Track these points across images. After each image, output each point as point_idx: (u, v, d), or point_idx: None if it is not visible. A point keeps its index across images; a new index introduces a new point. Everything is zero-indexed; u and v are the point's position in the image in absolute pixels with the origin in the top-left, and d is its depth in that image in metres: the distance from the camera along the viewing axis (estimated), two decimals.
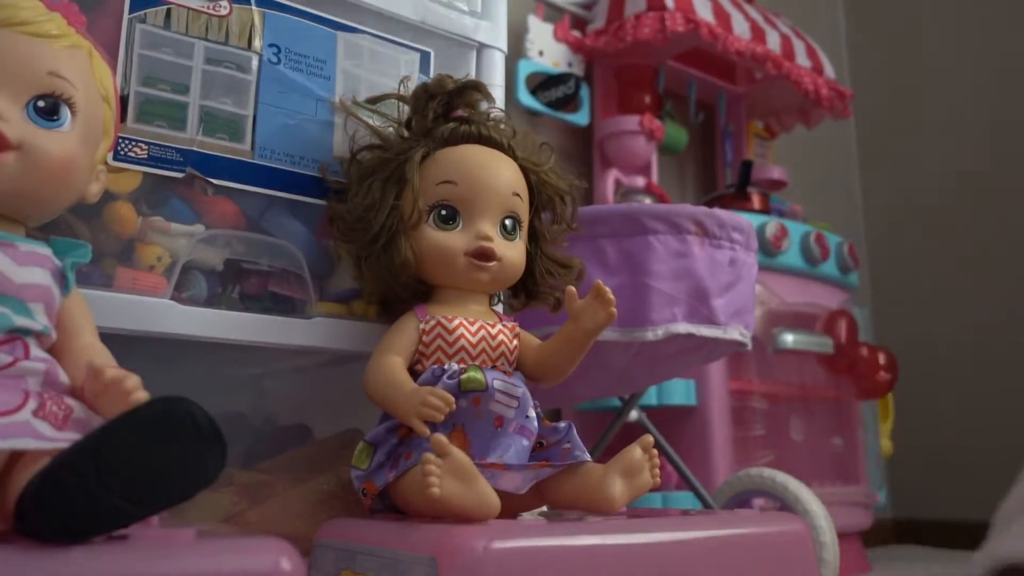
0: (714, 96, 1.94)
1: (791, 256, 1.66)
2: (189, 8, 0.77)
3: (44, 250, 0.58)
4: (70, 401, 0.54)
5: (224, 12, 0.79)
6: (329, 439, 0.94)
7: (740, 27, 1.70)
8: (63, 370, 0.55)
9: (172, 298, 0.74)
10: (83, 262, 0.60)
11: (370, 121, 0.84)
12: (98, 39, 0.64)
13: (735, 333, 0.99)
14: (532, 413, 0.73)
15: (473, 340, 0.75)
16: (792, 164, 2.02)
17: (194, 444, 0.50)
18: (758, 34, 1.73)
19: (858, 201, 2.47)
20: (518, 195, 0.78)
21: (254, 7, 0.81)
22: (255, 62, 0.80)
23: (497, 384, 0.72)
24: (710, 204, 1.73)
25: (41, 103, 0.57)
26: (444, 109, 0.81)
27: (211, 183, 0.77)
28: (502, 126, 0.81)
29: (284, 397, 1.00)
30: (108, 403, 0.52)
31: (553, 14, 1.73)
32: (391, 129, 0.83)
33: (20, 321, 0.53)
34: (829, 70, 1.89)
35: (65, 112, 0.58)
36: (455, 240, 0.76)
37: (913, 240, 2.34)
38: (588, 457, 0.72)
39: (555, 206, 0.83)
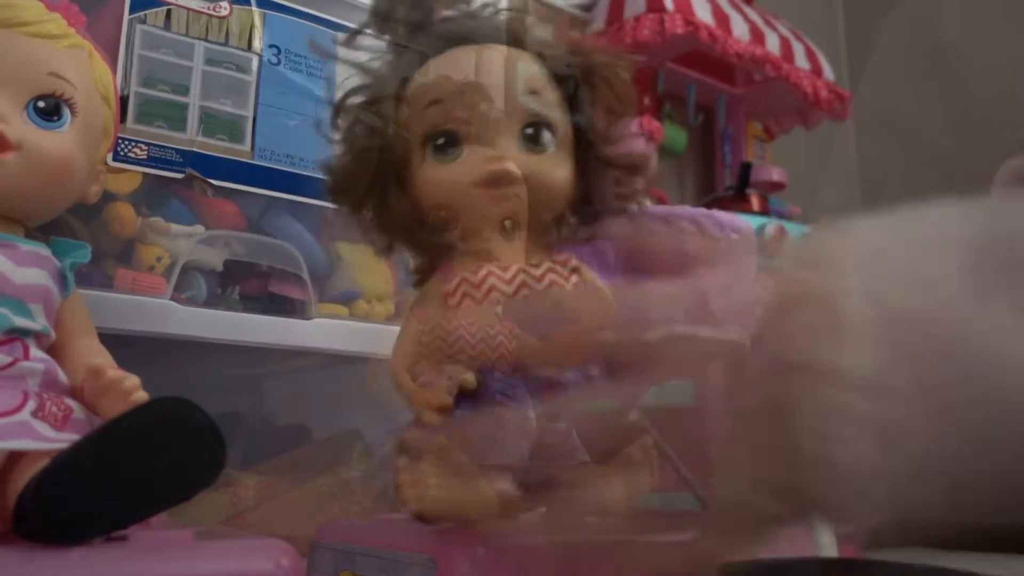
0: (713, 98, 1.94)
1: None
2: (189, 9, 0.77)
3: (44, 251, 0.58)
4: (69, 402, 0.54)
5: (224, 13, 0.79)
6: (328, 440, 0.94)
7: (739, 29, 1.70)
8: (62, 371, 0.55)
9: (171, 299, 0.74)
10: (83, 263, 0.60)
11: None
12: (98, 40, 0.64)
13: (733, 334, 0.99)
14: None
15: (508, 289, 0.59)
16: (791, 166, 2.02)
17: (193, 445, 0.50)
18: (757, 36, 1.73)
19: (857, 203, 2.47)
20: (535, 92, 0.59)
21: (254, 8, 0.81)
22: (255, 63, 0.80)
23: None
24: (709, 206, 1.73)
25: (41, 103, 0.57)
26: (422, 15, 0.63)
27: (211, 184, 0.77)
28: (501, 17, 0.63)
29: (283, 398, 1.00)
30: (107, 404, 0.52)
31: (552, 15, 1.73)
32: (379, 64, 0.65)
33: (19, 321, 0.53)
34: (828, 72, 1.90)
35: (65, 113, 0.58)
36: (457, 172, 0.58)
37: None
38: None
39: (596, 90, 0.62)
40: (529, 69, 0.60)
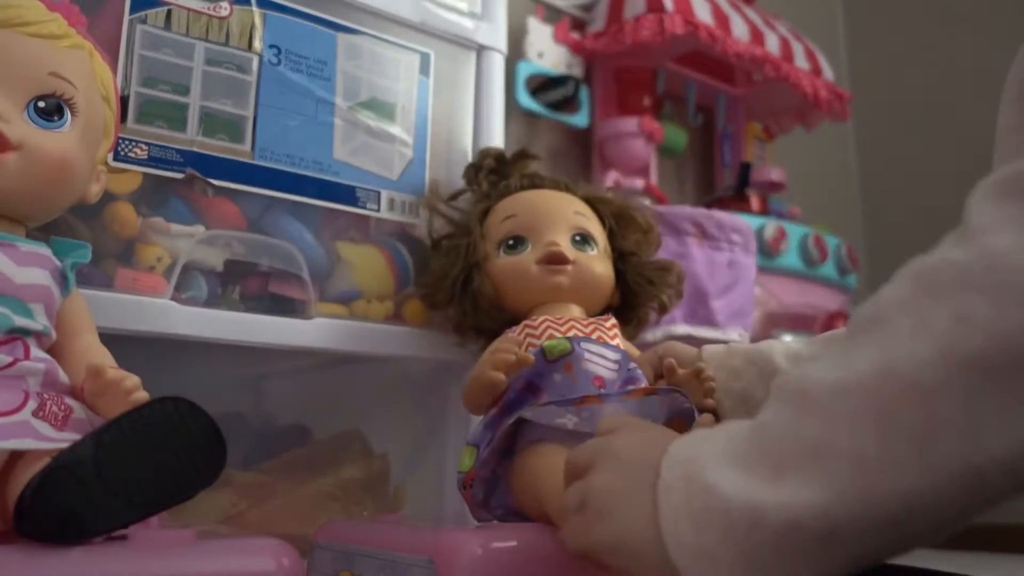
0: (713, 98, 1.94)
1: (790, 258, 1.66)
2: (190, 9, 0.77)
3: (44, 250, 0.58)
4: (70, 401, 0.54)
5: (225, 13, 0.79)
6: (328, 440, 0.94)
7: (739, 29, 1.70)
8: (63, 370, 0.56)
9: (172, 298, 0.74)
10: (83, 262, 0.60)
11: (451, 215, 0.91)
12: (99, 40, 0.64)
13: (734, 334, 1.00)
14: (635, 367, 0.72)
15: (562, 330, 0.74)
16: (791, 166, 2.02)
17: (194, 444, 0.50)
18: (757, 36, 1.73)
19: (857, 203, 2.47)
20: (580, 213, 0.82)
21: (254, 8, 0.81)
22: (255, 63, 0.80)
23: (585, 344, 0.71)
24: (709, 206, 1.73)
25: (42, 104, 0.57)
26: (498, 176, 0.88)
27: (211, 184, 0.77)
28: (558, 178, 0.87)
29: (283, 398, 1.00)
30: (108, 403, 0.52)
31: (553, 15, 1.73)
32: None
33: (20, 321, 0.54)
34: (828, 72, 1.90)
35: (66, 113, 0.58)
36: (525, 258, 0.79)
37: (912, 242, 2.33)
38: (691, 404, 0.69)
39: (628, 223, 0.86)
40: (577, 202, 0.84)
